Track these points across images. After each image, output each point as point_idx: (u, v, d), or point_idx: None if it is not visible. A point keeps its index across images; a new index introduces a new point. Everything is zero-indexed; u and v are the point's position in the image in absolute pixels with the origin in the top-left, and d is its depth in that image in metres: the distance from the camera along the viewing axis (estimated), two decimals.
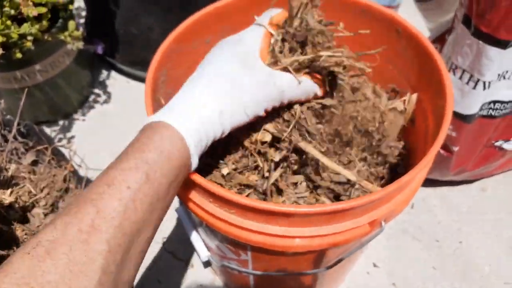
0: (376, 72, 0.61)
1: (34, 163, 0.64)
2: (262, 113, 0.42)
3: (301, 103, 0.49)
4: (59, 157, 0.65)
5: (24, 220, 0.57)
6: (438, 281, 0.73)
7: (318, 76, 0.47)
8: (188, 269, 0.75)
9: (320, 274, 0.60)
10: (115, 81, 1.06)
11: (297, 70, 0.44)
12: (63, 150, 0.69)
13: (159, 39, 0.54)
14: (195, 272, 0.75)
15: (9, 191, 0.58)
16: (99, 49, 0.98)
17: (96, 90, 1.04)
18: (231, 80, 0.39)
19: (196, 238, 0.63)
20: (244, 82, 0.40)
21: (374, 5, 0.55)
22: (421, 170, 0.42)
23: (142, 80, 1.04)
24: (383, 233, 0.53)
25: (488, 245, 0.77)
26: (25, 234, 0.54)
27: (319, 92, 0.48)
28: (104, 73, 1.08)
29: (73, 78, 0.94)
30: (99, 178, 0.31)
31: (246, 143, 0.50)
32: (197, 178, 0.42)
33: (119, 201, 0.29)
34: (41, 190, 0.60)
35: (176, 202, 0.81)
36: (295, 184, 0.51)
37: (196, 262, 0.76)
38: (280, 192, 0.50)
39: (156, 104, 0.51)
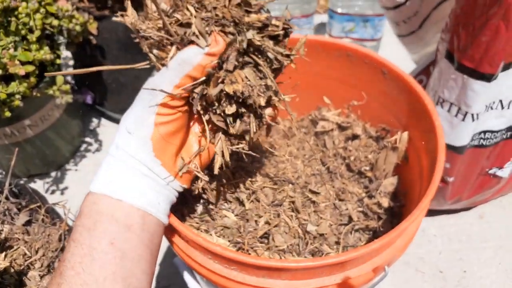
0: (366, 111, 0.62)
1: (28, 223, 0.63)
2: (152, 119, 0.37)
3: None
4: (53, 215, 0.64)
5: (20, 284, 0.56)
6: None
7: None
8: None
9: None
10: (106, 129, 1.06)
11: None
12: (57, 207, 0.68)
13: None
14: None
15: (3, 255, 0.57)
16: (89, 99, 0.98)
17: (87, 139, 1.03)
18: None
19: None
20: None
21: (359, 48, 0.56)
22: (419, 216, 0.41)
23: None
24: None
25: (492, 273, 0.76)
26: None
27: (210, 49, 0.35)
28: (95, 121, 1.08)
29: (64, 130, 0.94)
30: None
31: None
32: (195, 236, 0.41)
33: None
34: (36, 252, 0.58)
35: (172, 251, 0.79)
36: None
37: None
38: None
39: None
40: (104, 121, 1.07)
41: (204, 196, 0.51)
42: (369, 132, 0.61)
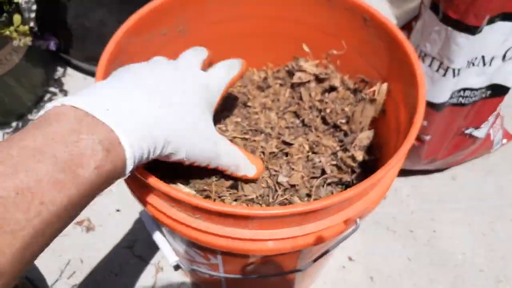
0: (345, 62, 0.59)
1: None
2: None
3: None
4: None
5: None
6: (414, 272, 0.72)
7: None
8: (158, 273, 0.71)
9: (295, 274, 0.58)
10: (72, 78, 1.00)
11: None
12: None
13: (112, 32, 0.49)
14: (166, 275, 0.71)
15: None
16: (52, 45, 0.92)
17: (52, 89, 0.97)
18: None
19: (163, 243, 0.60)
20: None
21: None
22: (394, 166, 0.39)
23: None
24: None
25: (460, 234, 0.76)
26: None
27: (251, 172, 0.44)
28: (60, 70, 1.01)
29: (24, 77, 0.88)
30: None
31: None
32: (155, 181, 0.38)
33: None
34: None
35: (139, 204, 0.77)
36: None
37: (165, 265, 0.72)
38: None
39: None
40: (70, 70, 1.01)
41: None
42: (347, 84, 0.58)
